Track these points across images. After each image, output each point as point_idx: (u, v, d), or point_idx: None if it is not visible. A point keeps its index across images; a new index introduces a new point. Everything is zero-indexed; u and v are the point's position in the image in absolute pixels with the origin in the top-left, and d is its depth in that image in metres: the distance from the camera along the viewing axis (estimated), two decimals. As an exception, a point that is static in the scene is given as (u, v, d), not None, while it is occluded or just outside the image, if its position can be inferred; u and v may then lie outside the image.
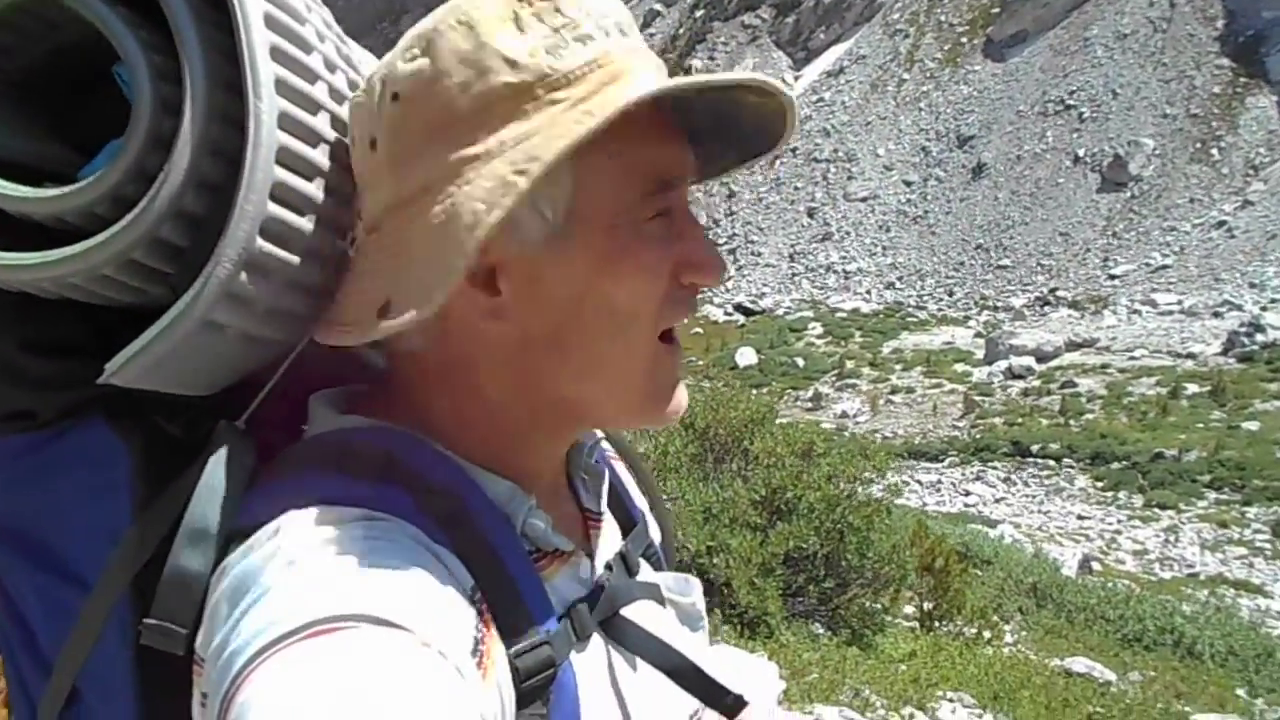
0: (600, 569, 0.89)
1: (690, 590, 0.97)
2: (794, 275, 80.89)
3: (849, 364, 58.86)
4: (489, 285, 0.77)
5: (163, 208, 0.71)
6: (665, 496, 8.17)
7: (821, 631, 8.76)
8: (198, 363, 0.78)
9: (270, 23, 0.76)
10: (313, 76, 0.81)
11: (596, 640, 0.83)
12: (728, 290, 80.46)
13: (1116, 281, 66.20)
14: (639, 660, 0.86)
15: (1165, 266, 65.58)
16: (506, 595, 0.74)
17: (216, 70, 0.74)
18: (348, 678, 0.57)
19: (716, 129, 0.83)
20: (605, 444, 1.04)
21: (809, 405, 52.09)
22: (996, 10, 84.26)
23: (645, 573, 0.96)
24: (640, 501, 1.05)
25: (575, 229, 0.76)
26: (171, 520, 0.75)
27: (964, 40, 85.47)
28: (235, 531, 0.73)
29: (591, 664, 0.82)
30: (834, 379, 56.89)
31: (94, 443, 0.80)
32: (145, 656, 0.75)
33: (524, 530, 0.81)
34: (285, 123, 0.76)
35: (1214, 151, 70.13)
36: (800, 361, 59.98)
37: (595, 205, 0.76)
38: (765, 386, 51.02)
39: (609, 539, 0.95)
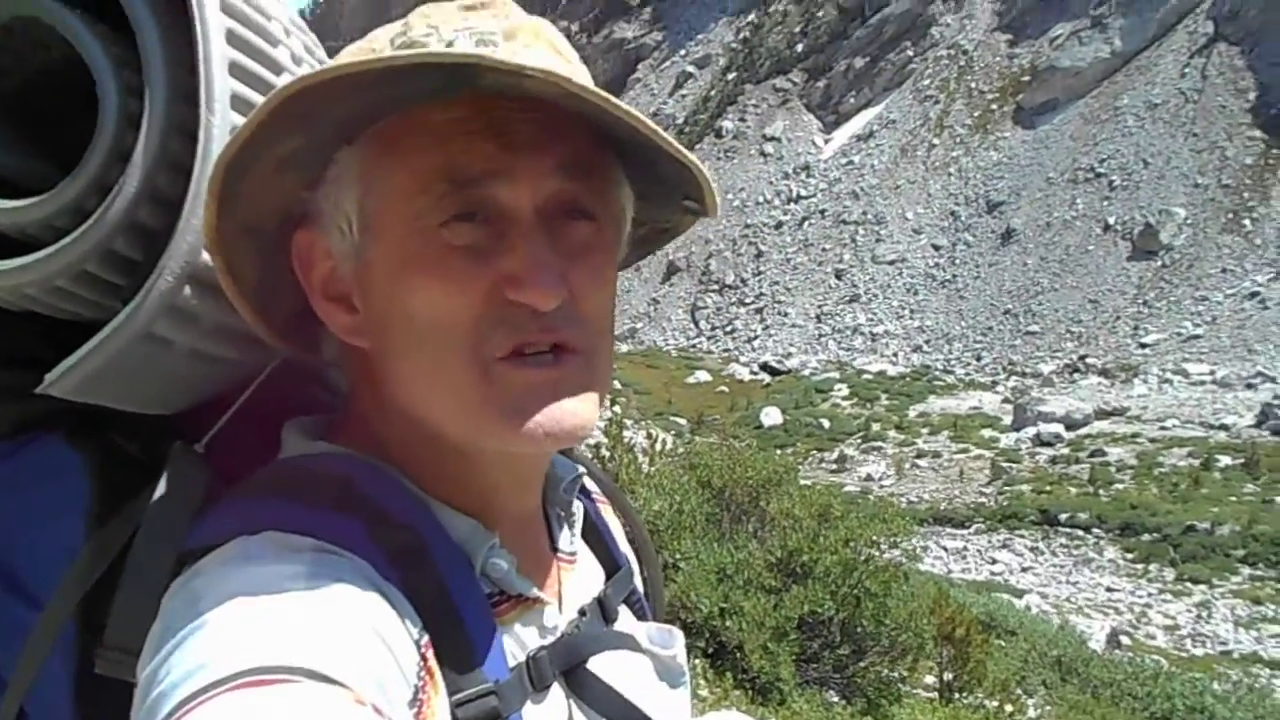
0: (571, 613, 0.86)
1: (672, 643, 0.92)
2: (820, 336, 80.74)
3: (874, 426, 58.40)
4: (348, 304, 0.77)
5: (115, 220, 0.71)
6: (679, 555, 8.08)
7: (836, 700, 8.54)
8: (146, 378, 0.76)
9: (232, 38, 0.76)
10: None
11: (558, 692, 0.79)
12: (754, 349, 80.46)
13: (1147, 350, 65.53)
14: (602, 717, 0.82)
15: (1197, 336, 64.91)
16: (455, 641, 0.71)
17: (179, 85, 0.73)
18: None
19: (635, 159, 0.79)
20: (591, 484, 1.02)
21: (834, 467, 51.64)
22: (1027, 79, 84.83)
23: (626, 622, 0.93)
24: (625, 546, 1.02)
25: (370, 240, 0.74)
26: (123, 542, 0.74)
27: (994, 107, 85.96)
28: (185, 553, 0.71)
29: (548, 717, 0.78)
30: (859, 441, 56.42)
31: (51, 459, 0.79)
32: (86, 681, 0.74)
33: (485, 570, 0.78)
34: None
35: (1246, 222, 69.68)
36: (825, 423, 59.56)
37: (382, 215, 0.74)
38: (790, 447, 50.70)
39: (584, 582, 0.91)
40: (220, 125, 0.73)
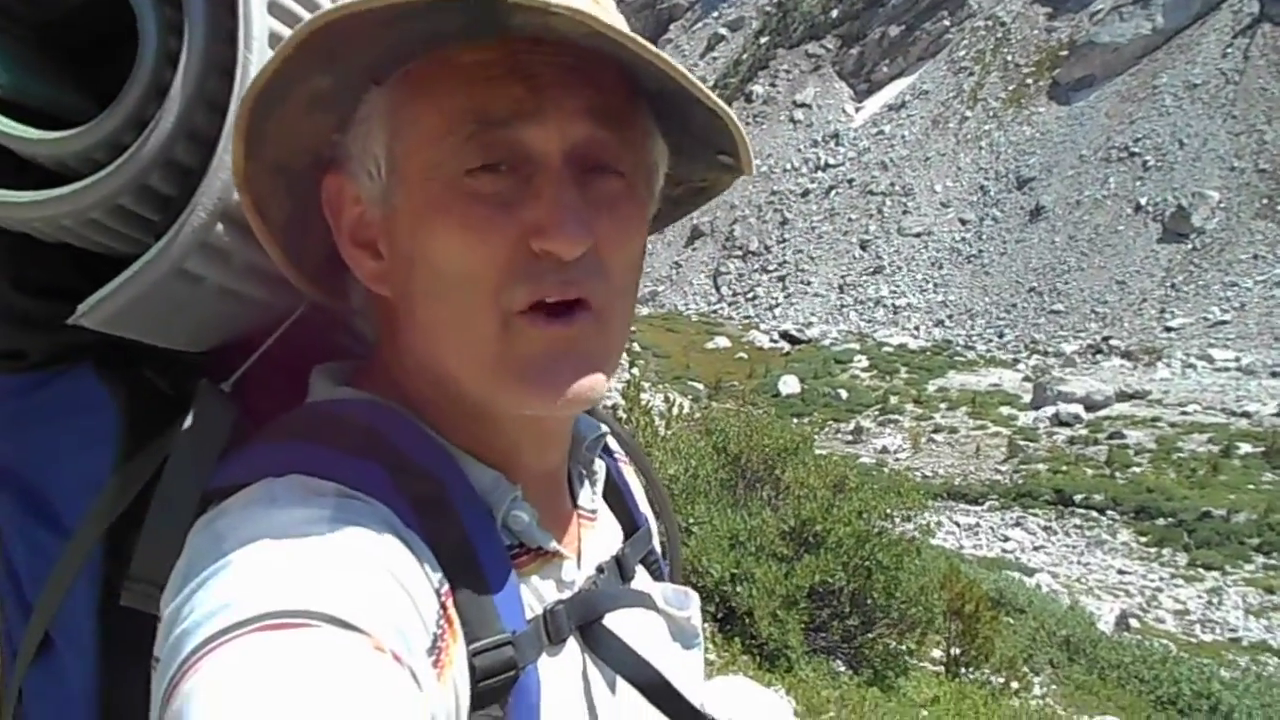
0: (589, 570, 0.86)
1: (687, 604, 0.92)
2: (842, 306, 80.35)
3: (893, 399, 58.20)
4: (374, 250, 0.77)
5: (151, 155, 0.71)
6: (693, 520, 8.11)
7: (843, 669, 8.58)
8: (176, 313, 0.77)
9: None
10: None
11: (573, 647, 0.80)
12: (775, 317, 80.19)
13: (1172, 334, 64.88)
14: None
15: (1224, 322, 64.16)
16: (474, 590, 0.72)
17: (218, 23, 0.73)
18: (296, 682, 0.56)
19: (669, 110, 0.77)
20: (614, 444, 1.02)
21: (849, 438, 51.57)
22: (1064, 53, 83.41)
23: (643, 581, 0.93)
24: (645, 507, 1.02)
25: (397, 184, 0.74)
26: (149, 476, 0.75)
27: (1029, 81, 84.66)
28: (211, 492, 0.72)
29: (562, 671, 0.78)
30: (877, 413, 56.26)
31: (82, 391, 0.80)
32: (110, 611, 0.75)
33: (506, 522, 0.78)
34: None
35: (1281, 208, 68.65)
36: (843, 394, 59.39)
37: (410, 158, 0.73)
38: (807, 417, 50.61)
39: (603, 540, 0.91)
40: (258, 64, 0.73)
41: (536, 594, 0.79)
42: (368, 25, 0.65)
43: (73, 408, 0.80)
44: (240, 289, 0.79)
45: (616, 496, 0.97)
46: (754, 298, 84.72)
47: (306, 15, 0.78)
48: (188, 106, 0.72)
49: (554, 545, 0.82)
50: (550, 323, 0.73)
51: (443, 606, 0.69)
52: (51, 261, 0.80)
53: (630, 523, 0.97)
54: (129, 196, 0.72)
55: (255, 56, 0.73)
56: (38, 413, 0.81)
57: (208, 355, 0.83)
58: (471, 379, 0.75)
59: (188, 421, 0.76)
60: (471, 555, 0.73)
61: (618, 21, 0.74)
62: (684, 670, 0.89)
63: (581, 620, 0.80)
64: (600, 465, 0.94)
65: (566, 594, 0.81)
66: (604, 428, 0.95)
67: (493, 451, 0.80)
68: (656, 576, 0.97)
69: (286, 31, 0.75)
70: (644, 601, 0.88)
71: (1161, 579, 33.13)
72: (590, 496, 0.91)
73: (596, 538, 0.90)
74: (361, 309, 0.86)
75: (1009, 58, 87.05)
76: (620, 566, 0.90)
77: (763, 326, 77.21)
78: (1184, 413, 51.98)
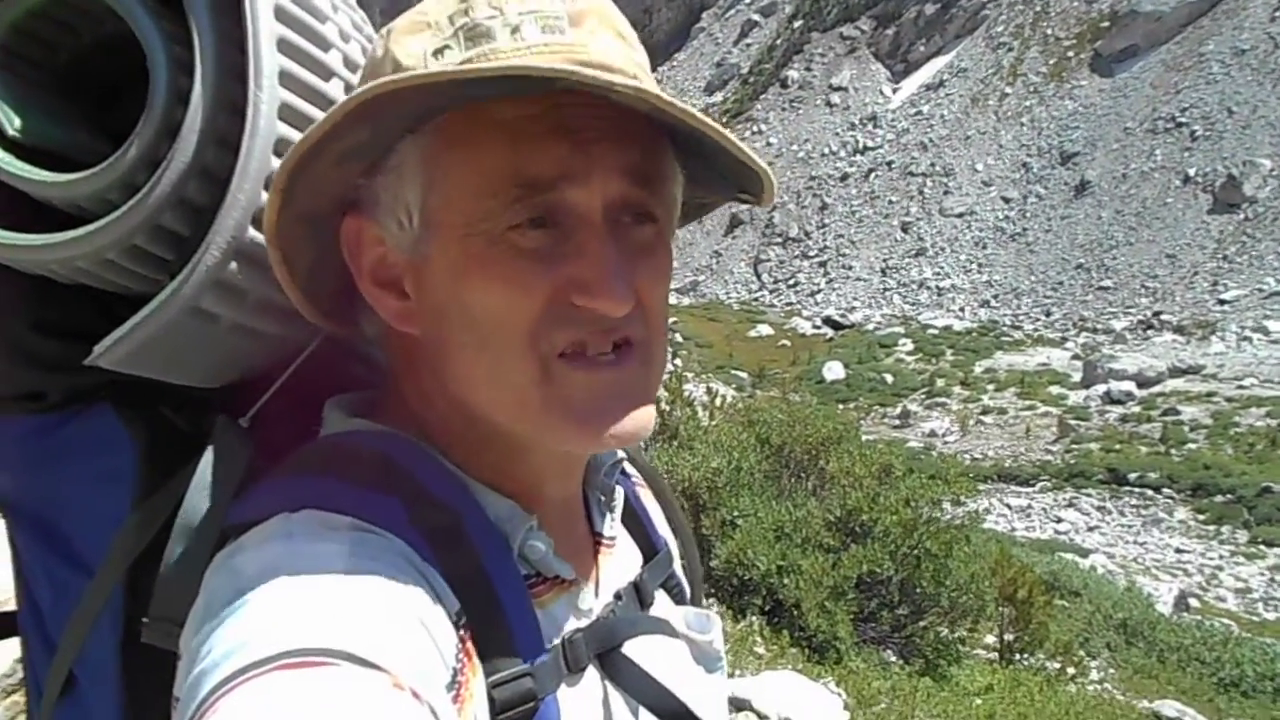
0: (607, 597, 0.86)
1: (709, 627, 0.92)
2: (885, 290, 79.57)
3: (939, 382, 57.56)
4: (398, 290, 0.77)
5: (164, 195, 0.71)
6: (737, 512, 8.06)
7: (893, 659, 8.51)
8: (191, 351, 0.77)
9: (281, 15, 0.76)
10: (326, 73, 0.81)
11: (593, 675, 0.79)
12: (817, 303, 79.63)
13: (1226, 307, 63.42)
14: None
15: (1279, 292, 62.64)
16: (492, 622, 0.71)
17: (228, 61, 0.74)
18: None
19: (692, 148, 0.77)
20: (631, 469, 1.02)
21: (896, 423, 51.11)
22: (1106, 24, 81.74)
23: (663, 605, 0.93)
24: (664, 531, 1.02)
25: (431, 235, 0.74)
26: (168, 513, 0.75)
27: (1070, 55, 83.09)
28: (228, 528, 0.72)
29: (583, 700, 0.78)
30: (923, 397, 55.70)
31: (101, 429, 0.81)
32: (132, 648, 0.75)
33: (523, 552, 0.78)
34: (287, 114, 0.75)
35: (1336, 173, 66.79)
36: (889, 378, 58.86)
37: (447, 212, 0.73)
38: (852, 402, 50.29)
39: (621, 566, 0.91)
40: (268, 101, 0.74)
41: (555, 623, 0.78)
42: (413, 94, 0.66)
43: (92, 447, 0.81)
44: (255, 325, 0.79)
45: (634, 521, 0.97)
46: (795, 284, 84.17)
47: (315, 51, 0.79)
48: (200, 145, 0.72)
49: (571, 574, 0.81)
50: (596, 368, 0.74)
51: (461, 640, 0.68)
52: (68, 303, 0.80)
53: (649, 547, 0.97)
54: (143, 236, 0.73)
55: (266, 94, 0.73)
56: (58, 452, 0.81)
57: (223, 391, 0.83)
58: (515, 421, 0.75)
59: (204, 459, 0.76)
60: (489, 587, 0.72)
61: (642, 57, 0.77)
62: (706, 695, 0.89)
63: (600, 648, 0.80)
64: (619, 491, 0.93)
65: (585, 622, 0.81)
66: (620, 453, 0.95)
67: (513, 482, 0.80)
68: (678, 600, 0.97)
69: (295, 68, 0.77)
70: (663, 628, 0.87)
71: (1221, 557, 32.46)
72: (608, 523, 0.91)
73: (615, 564, 0.90)
74: (375, 340, 0.86)
75: (1049, 31, 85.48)
76: (639, 592, 0.89)
77: (805, 313, 76.76)
78: (1240, 387, 50.81)
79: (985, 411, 52.50)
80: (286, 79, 0.75)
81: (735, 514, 8.32)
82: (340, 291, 0.81)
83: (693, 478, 8.56)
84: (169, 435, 0.82)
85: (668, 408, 10.69)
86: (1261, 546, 33.33)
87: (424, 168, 0.73)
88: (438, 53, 0.71)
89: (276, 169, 0.71)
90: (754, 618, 7.71)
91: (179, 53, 0.73)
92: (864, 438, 10.66)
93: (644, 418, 0.76)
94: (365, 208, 0.77)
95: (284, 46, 0.76)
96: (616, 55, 0.72)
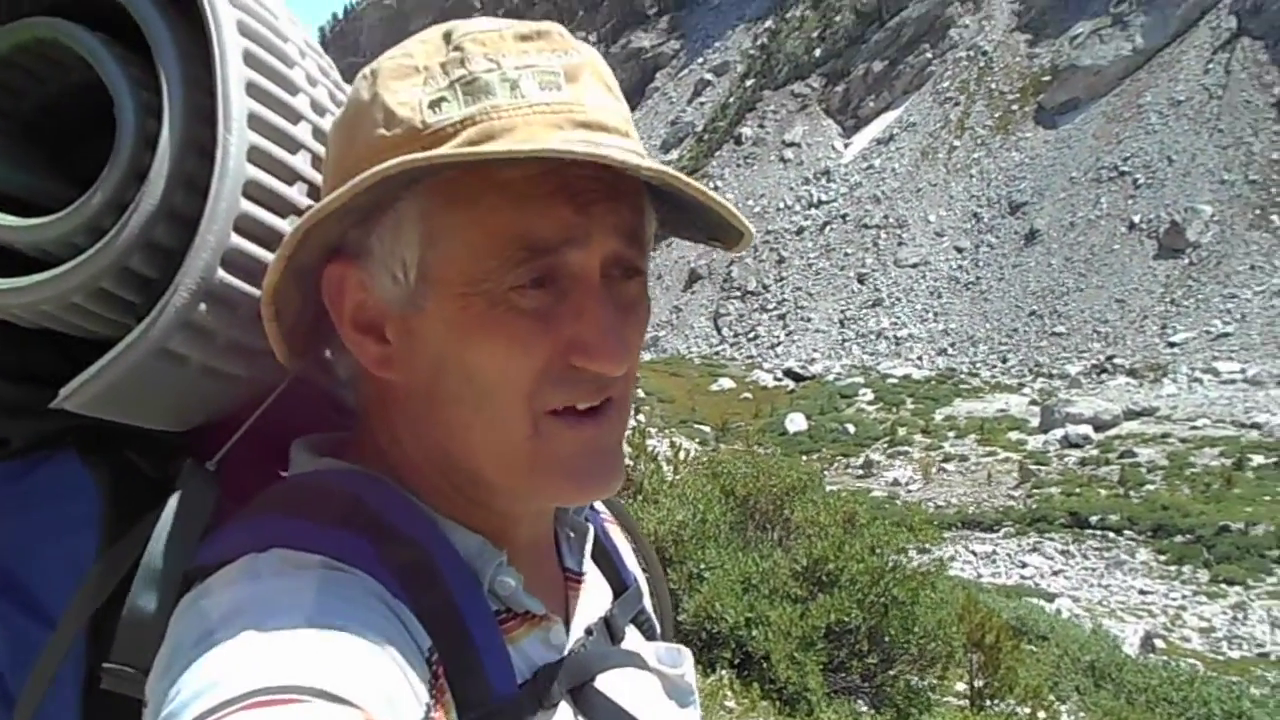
0: (579, 633, 0.86)
1: (680, 661, 0.92)
2: (844, 341, 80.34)
3: (900, 431, 57.96)
4: (378, 335, 0.77)
5: (131, 238, 0.71)
6: (704, 565, 8.03)
7: (864, 709, 8.46)
8: (159, 394, 0.76)
9: (249, 59, 0.76)
10: (295, 116, 0.81)
11: (565, 710, 0.79)
12: (778, 355, 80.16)
13: (1176, 349, 64.73)
14: None
15: (1226, 334, 64.06)
16: (464, 659, 0.71)
17: (196, 105, 0.74)
18: None
19: (671, 199, 0.78)
20: (600, 505, 1.02)
21: (860, 472, 51.29)
22: (1047, 79, 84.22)
23: (634, 641, 0.93)
24: (634, 566, 1.02)
25: (429, 291, 0.73)
26: (134, 559, 0.73)
27: (1015, 108, 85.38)
28: (194, 571, 0.71)
29: None
30: (885, 446, 56.02)
31: (65, 476, 0.80)
32: (94, 699, 0.73)
33: (492, 588, 0.78)
34: (256, 156, 0.75)
35: (1274, 217, 68.68)
36: (851, 428, 59.17)
37: (446, 270, 0.73)
38: (816, 453, 50.43)
39: (591, 602, 0.91)
40: (238, 144, 0.74)
41: (526, 659, 0.78)
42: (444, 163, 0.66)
43: (56, 494, 0.79)
44: (223, 367, 0.78)
45: (604, 557, 0.97)
46: (755, 337, 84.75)
47: (283, 95, 0.79)
48: (168, 188, 0.72)
49: (541, 609, 0.81)
50: (582, 424, 0.75)
51: (434, 676, 0.68)
52: (30, 347, 0.80)
53: (619, 583, 0.96)
54: (110, 279, 0.72)
55: (235, 137, 0.73)
56: (21, 500, 0.80)
57: (189, 434, 0.82)
58: (500, 475, 0.76)
59: (170, 503, 0.75)
60: (460, 623, 0.72)
61: (626, 111, 0.77)
62: None
63: (573, 683, 0.80)
64: (589, 528, 0.94)
65: (556, 657, 0.80)
66: None
67: (484, 522, 0.80)
68: (649, 636, 0.97)
69: (264, 111, 0.77)
70: (635, 661, 0.87)
71: (1184, 597, 32.74)
72: (578, 559, 0.91)
73: (585, 600, 0.90)
74: (348, 380, 0.85)
75: (993, 86, 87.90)
76: (609, 627, 0.89)
77: (766, 365, 77.19)
78: (1194, 427, 51.70)
79: (947, 459, 52.88)
80: (255, 122, 0.75)
81: (702, 566, 8.29)
82: (309, 333, 0.81)
83: (658, 531, 8.53)
84: (134, 480, 0.80)
85: (631, 462, 10.67)
86: (1223, 585, 33.68)
87: (423, 224, 0.73)
88: (434, 105, 0.71)
89: (287, 235, 0.71)
90: (724, 671, 7.65)
91: (146, 98, 0.73)
92: (828, 488, 10.70)
93: (619, 468, 0.79)
94: (351, 256, 0.76)
95: (252, 90, 0.76)
96: (610, 113, 0.73)
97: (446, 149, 0.67)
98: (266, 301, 0.73)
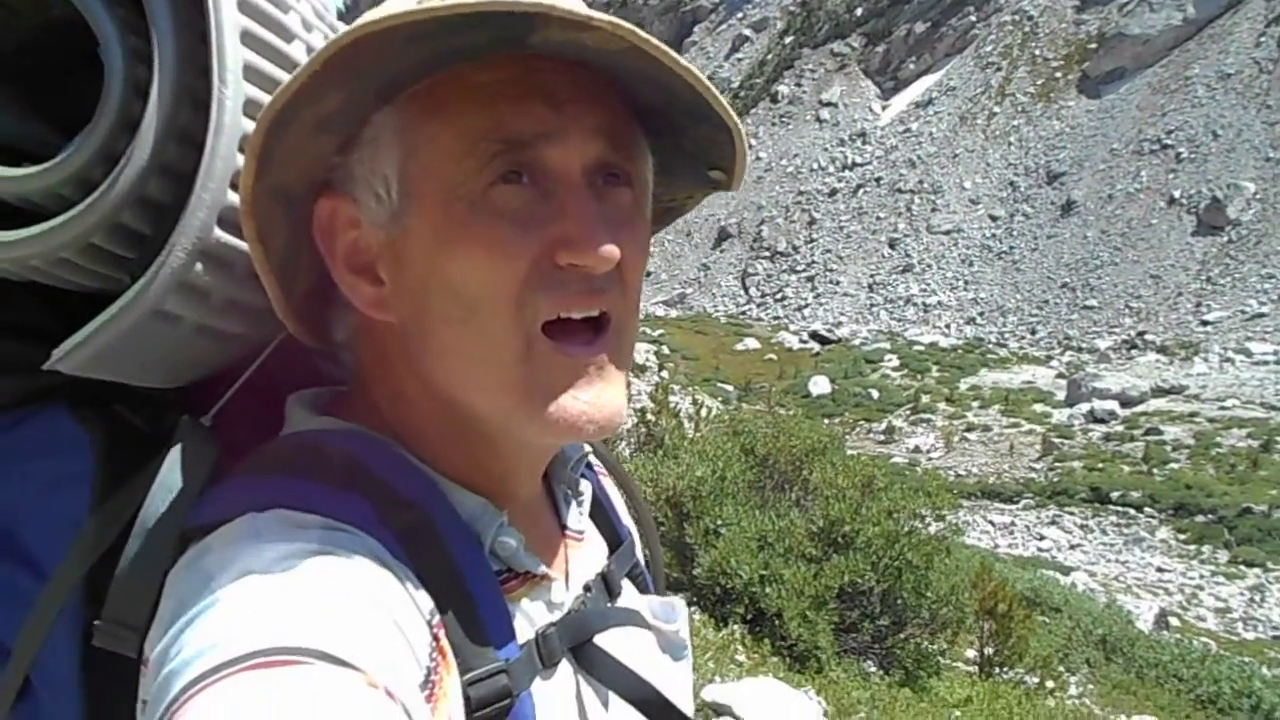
0: (577, 590, 0.86)
1: (675, 616, 0.92)
2: (872, 306, 79.96)
3: (924, 398, 57.80)
4: (372, 276, 0.76)
5: (123, 192, 0.69)
6: (721, 521, 8.09)
7: (874, 670, 8.54)
8: (153, 353, 0.75)
9: (244, 6, 0.74)
10: (290, 65, 0.78)
11: (565, 668, 0.79)
12: (804, 318, 79.92)
13: (1209, 328, 63.96)
14: (611, 692, 0.82)
15: (1262, 315, 63.20)
16: (466, 619, 0.71)
17: (190, 54, 0.70)
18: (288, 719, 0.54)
19: (662, 118, 0.76)
20: (594, 459, 1.02)
21: (881, 438, 51.31)
22: (1093, 46, 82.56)
23: (629, 595, 0.93)
24: (628, 520, 1.03)
25: (411, 205, 0.72)
26: (128, 515, 0.73)
27: (1058, 75, 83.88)
28: (191, 529, 0.70)
29: (557, 694, 0.78)
30: (908, 413, 55.91)
31: (56, 431, 0.79)
32: (92, 654, 0.73)
33: (493, 548, 0.78)
34: (251, 109, 0.72)
35: (1319, 197, 67.50)
36: (874, 393, 59.07)
37: (426, 178, 0.72)
38: (838, 417, 50.42)
39: (589, 558, 0.91)
40: (233, 97, 0.71)
41: (527, 618, 0.78)
42: (395, 40, 0.64)
43: (47, 448, 0.78)
44: (218, 325, 0.77)
45: (600, 512, 0.97)
46: (783, 298, 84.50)
47: (279, 43, 0.77)
48: (160, 141, 0.69)
49: (541, 568, 0.81)
50: (575, 349, 0.73)
51: (435, 638, 0.68)
52: (18, 301, 0.78)
53: (614, 537, 0.97)
54: (101, 235, 0.70)
55: (230, 90, 0.71)
56: (10, 454, 0.79)
57: (182, 389, 0.81)
58: (494, 407, 0.74)
59: (169, 458, 0.74)
60: (461, 584, 0.72)
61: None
62: (674, 682, 0.89)
63: (573, 642, 0.80)
64: (586, 485, 0.94)
65: (556, 615, 0.81)
66: (587, 447, 0.96)
67: (484, 477, 0.79)
68: (642, 589, 0.97)
69: (260, 61, 0.74)
70: (633, 619, 0.88)
71: (1202, 576, 32.68)
72: (577, 517, 0.91)
73: (583, 557, 0.90)
74: (347, 343, 0.83)
75: (1037, 52, 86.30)
76: (606, 583, 0.90)
77: (792, 327, 77.04)
78: (1222, 408, 51.23)
79: (970, 428, 52.75)
80: (250, 73, 0.73)
81: (719, 523, 8.35)
82: (312, 293, 0.79)
83: (677, 486, 8.59)
84: (128, 435, 0.79)
85: (653, 418, 10.72)
86: (1241, 567, 33.56)
87: (401, 137, 0.72)
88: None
89: (251, 130, 0.69)
90: (735, 626, 7.73)
91: (135, 42, 0.70)
92: (849, 453, 10.71)
93: (619, 405, 0.76)
94: (340, 186, 0.75)
95: (247, 39, 0.73)
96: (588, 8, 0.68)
97: (404, 15, 0.63)
98: (245, 215, 0.71)
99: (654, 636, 0.91)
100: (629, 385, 0.77)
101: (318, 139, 0.71)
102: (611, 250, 0.71)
